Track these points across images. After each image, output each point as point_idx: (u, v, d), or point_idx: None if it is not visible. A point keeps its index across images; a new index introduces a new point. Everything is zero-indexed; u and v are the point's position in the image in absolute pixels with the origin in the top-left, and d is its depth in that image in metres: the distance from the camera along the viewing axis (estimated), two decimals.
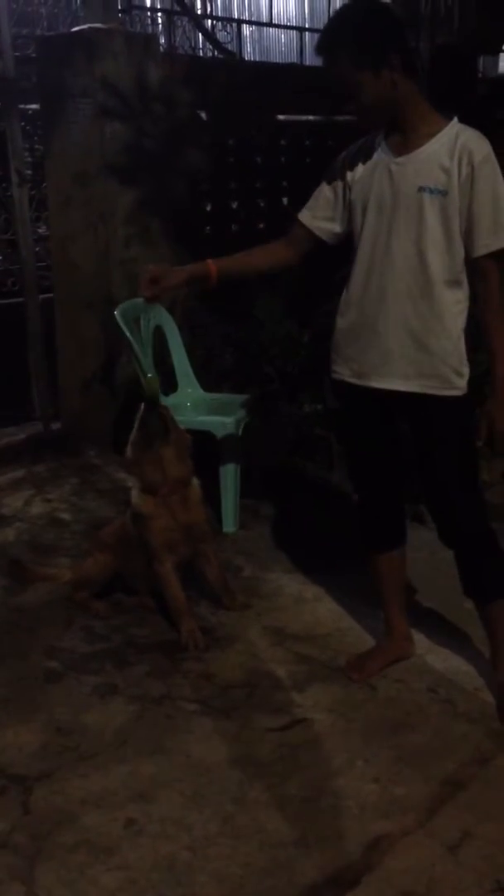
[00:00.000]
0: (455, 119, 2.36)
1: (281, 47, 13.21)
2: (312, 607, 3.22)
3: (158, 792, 2.31)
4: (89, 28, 4.49)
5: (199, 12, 10.42)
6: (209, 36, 7.70)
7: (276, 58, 12.74)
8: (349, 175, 2.48)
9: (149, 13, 10.05)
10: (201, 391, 4.13)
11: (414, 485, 2.67)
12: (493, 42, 7.03)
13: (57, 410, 5.05)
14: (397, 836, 2.14)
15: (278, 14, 13.37)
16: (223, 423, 3.72)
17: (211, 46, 7.56)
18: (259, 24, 12.71)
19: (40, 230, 5.66)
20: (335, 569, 3.39)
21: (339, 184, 2.51)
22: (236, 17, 12.06)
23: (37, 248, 5.21)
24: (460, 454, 2.51)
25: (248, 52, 12.06)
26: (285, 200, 5.57)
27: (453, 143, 2.31)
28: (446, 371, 2.44)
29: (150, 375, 3.16)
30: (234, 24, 11.45)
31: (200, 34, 8.60)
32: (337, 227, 2.56)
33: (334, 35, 2.31)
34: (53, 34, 6.87)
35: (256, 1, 12.98)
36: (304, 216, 2.59)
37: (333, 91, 2.33)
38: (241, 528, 3.86)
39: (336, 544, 3.56)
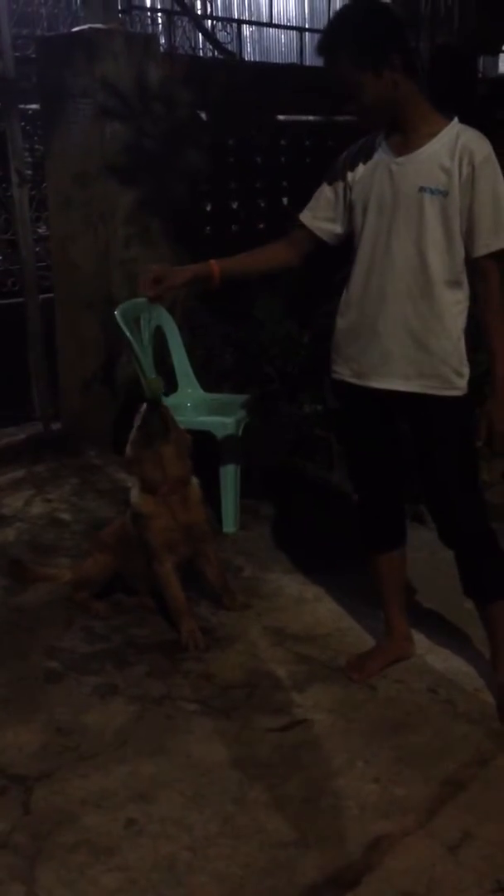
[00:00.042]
0: (456, 119, 2.36)
1: (281, 47, 13.21)
2: (312, 607, 3.22)
3: (159, 792, 2.31)
4: (89, 28, 4.49)
5: (199, 12, 10.42)
6: (209, 36, 7.71)
7: (276, 58, 12.74)
8: (350, 175, 2.48)
9: (149, 13, 10.05)
10: (201, 391, 4.13)
11: (414, 485, 2.67)
12: (493, 42, 7.03)
13: (57, 410, 5.05)
14: (397, 836, 2.14)
15: (278, 14, 13.37)
16: (223, 424, 3.72)
17: (211, 47, 7.56)
18: (259, 24, 12.70)
19: (40, 230, 5.66)
20: (335, 569, 3.40)
21: (340, 184, 2.51)
22: (236, 17, 12.05)
23: (37, 249, 5.21)
24: (460, 454, 2.51)
25: (248, 53, 12.06)
26: (285, 201, 5.57)
27: (454, 143, 2.31)
28: (446, 371, 2.44)
29: (153, 377, 3.16)
30: (234, 25, 11.45)
31: (200, 34, 8.60)
32: (338, 228, 2.56)
33: (335, 35, 2.31)
34: (53, 34, 6.88)
35: (256, 1, 12.98)
36: (305, 217, 2.59)
37: (334, 91, 2.33)
38: (242, 528, 3.86)
39: (336, 544, 3.56)
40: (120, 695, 2.74)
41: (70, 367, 4.96)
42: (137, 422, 2.99)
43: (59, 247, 4.81)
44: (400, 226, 2.39)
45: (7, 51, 4.61)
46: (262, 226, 5.47)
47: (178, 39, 9.32)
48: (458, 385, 2.46)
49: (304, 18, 13.71)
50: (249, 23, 12.37)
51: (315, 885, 2.01)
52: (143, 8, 9.97)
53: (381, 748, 2.45)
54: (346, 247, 2.57)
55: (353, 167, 2.48)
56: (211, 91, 5.09)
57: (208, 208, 5.23)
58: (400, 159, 2.38)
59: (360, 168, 2.46)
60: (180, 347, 4.14)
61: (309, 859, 2.08)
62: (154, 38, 5.40)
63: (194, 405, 4.02)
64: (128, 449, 3.02)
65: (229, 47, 8.58)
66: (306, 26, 13.14)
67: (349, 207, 2.50)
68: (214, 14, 11.38)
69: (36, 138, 5.84)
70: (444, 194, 2.33)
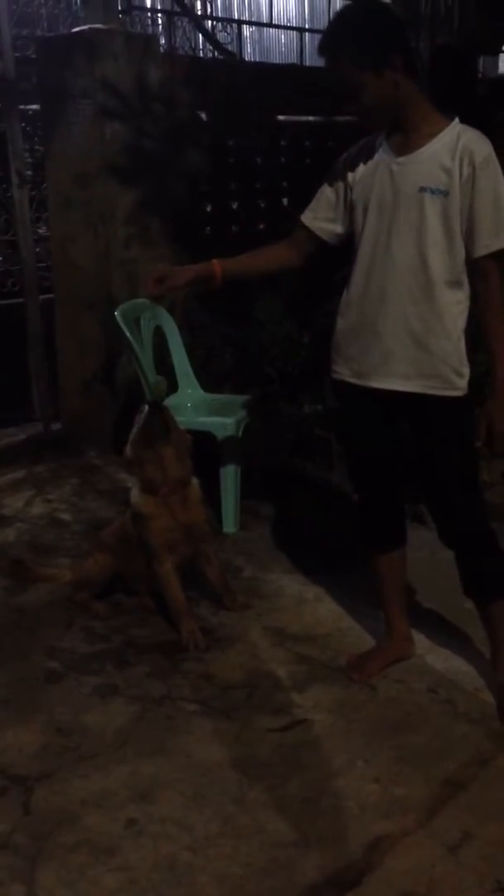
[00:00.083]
0: (457, 119, 2.36)
1: (281, 48, 13.20)
2: (313, 608, 3.22)
3: (159, 792, 2.31)
4: (89, 29, 4.49)
5: (199, 13, 10.42)
6: (209, 37, 7.71)
7: (276, 58, 12.73)
8: (350, 175, 2.48)
9: (149, 14, 10.04)
10: (201, 392, 4.13)
11: (414, 485, 2.67)
12: (493, 42, 7.03)
13: (57, 411, 5.05)
14: (398, 836, 2.14)
15: (278, 15, 13.36)
16: (223, 424, 3.72)
17: (211, 47, 7.56)
18: (259, 24, 12.69)
19: (40, 231, 5.67)
20: (335, 569, 3.40)
21: (341, 184, 2.51)
22: (236, 17, 12.05)
23: (37, 249, 5.21)
24: (460, 454, 2.51)
25: (249, 53, 12.05)
26: (285, 201, 5.58)
27: (455, 143, 2.31)
28: (446, 371, 2.44)
29: (157, 378, 3.16)
30: (235, 25, 11.43)
31: (201, 35, 8.60)
32: (338, 228, 2.56)
33: (336, 36, 2.31)
34: (53, 35, 6.88)
35: (256, 1, 12.97)
36: (306, 217, 2.59)
37: (334, 92, 2.33)
38: (242, 528, 3.86)
39: (336, 544, 3.56)
40: (120, 695, 2.74)
41: (70, 367, 4.96)
42: (139, 423, 2.99)
43: (60, 247, 4.81)
44: (400, 226, 2.39)
45: (7, 51, 4.61)
46: (262, 226, 5.48)
47: (178, 40, 9.32)
48: (459, 385, 2.46)
49: (305, 19, 13.71)
50: (249, 23, 12.36)
51: (315, 886, 2.01)
52: (143, 8, 9.97)
53: (381, 748, 2.45)
54: (346, 247, 2.57)
55: (353, 167, 2.48)
56: (211, 91, 5.10)
57: (208, 209, 5.24)
58: (401, 159, 2.38)
59: (361, 168, 2.46)
60: (180, 348, 4.14)
61: (309, 859, 2.08)
62: (154, 38, 5.41)
63: (194, 405, 4.02)
64: (128, 449, 3.03)
65: (229, 48, 8.58)
66: (306, 27, 13.13)
67: (350, 207, 2.50)
68: (214, 14, 11.37)
69: (36, 139, 5.84)
70: (445, 194, 2.33)
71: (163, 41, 8.44)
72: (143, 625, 3.14)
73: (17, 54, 4.87)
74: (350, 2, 2.54)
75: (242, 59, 9.15)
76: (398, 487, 2.74)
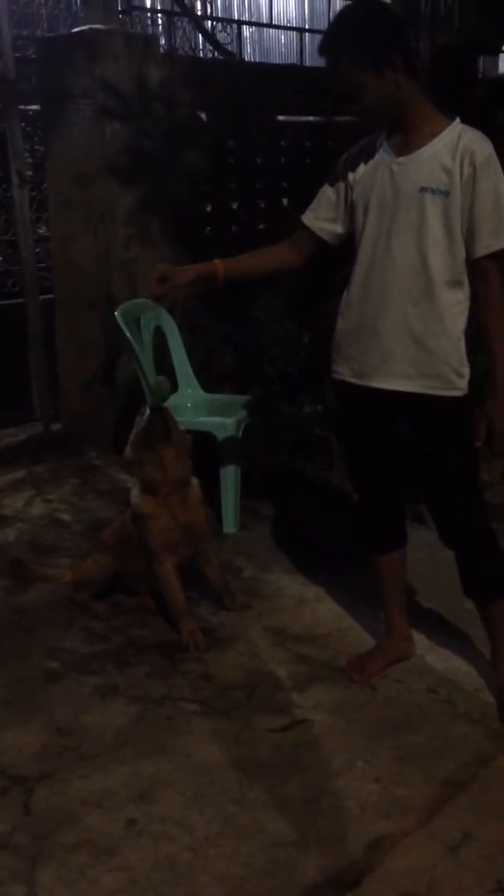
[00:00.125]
0: (457, 119, 2.36)
1: (281, 48, 13.20)
2: (313, 608, 3.22)
3: (159, 792, 2.31)
4: (89, 29, 4.49)
5: (199, 13, 10.43)
6: (209, 37, 7.71)
7: (276, 59, 12.74)
8: (351, 175, 2.48)
9: (149, 14, 10.04)
10: (202, 392, 4.13)
11: (414, 485, 2.67)
12: (493, 42, 7.04)
13: (57, 411, 5.05)
14: (398, 836, 2.14)
15: (278, 15, 13.37)
16: (224, 425, 3.72)
17: (211, 47, 7.56)
18: (259, 24, 12.70)
19: (41, 231, 5.67)
20: (335, 569, 3.40)
21: (341, 184, 2.51)
22: (236, 17, 12.05)
23: (37, 249, 5.21)
24: (460, 454, 2.51)
25: (249, 53, 12.06)
26: (285, 201, 5.58)
27: (455, 143, 2.31)
28: (447, 371, 2.44)
29: (159, 378, 3.16)
30: (235, 25, 11.44)
31: (200, 35, 8.61)
32: (339, 228, 2.56)
33: (336, 36, 2.31)
34: (53, 35, 6.88)
35: (256, 2, 12.98)
36: (307, 217, 2.59)
37: (335, 92, 2.33)
38: (242, 528, 3.86)
39: (336, 544, 3.56)
40: (120, 695, 2.74)
41: (70, 367, 4.96)
42: (140, 424, 2.98)
43: (60, 247, 4.81)
44: (401, 226, 2.39)
45: (7, 51, 4.61)
46: (262, 226, 5.48)
47: (178, 40, 9.32)
48: (459, 385, 2.46)
49: (304, 19, 13.72)
50: (249, 23, 12.37)
51: (315, 886, 2.01)
52: (143, 9, 9.97)
53: (381, 748, 2.45)
54: (345, 247, 2.57)
55: (354, 167, 2.48)
56: (211, 92, 5.10)
57: (208, 209, 5.24)
58: (401, 159, 2.38)
59: (362, 168, 2.46)
60: (180, 348, 4.14)
61: (309, 859, 2.08)
62: (154, 38, 5.41)
63: (194, 406, 4.02)
64: (128, 450, 3.03)
65: (229, 48, 8.58)
66: (306, 27, 13.14)
67: (350, 207, 2.50)
68: (214, 15, 11.37)
69: (36, 139, 5.84)
70: (446, 194, 2.33)
71: (163, 41, 8.45)
72: (143, 625, 3.14)
73: (17, 54, 4.87)
74: (350, 2, 2.53)
75: (242, 60, 9.16)
76: (398, 487, 2.74)
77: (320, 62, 2.36)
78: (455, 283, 2.41)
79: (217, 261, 2.58)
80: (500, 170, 2.33)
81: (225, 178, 5.32)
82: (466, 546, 2.58)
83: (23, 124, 5.00)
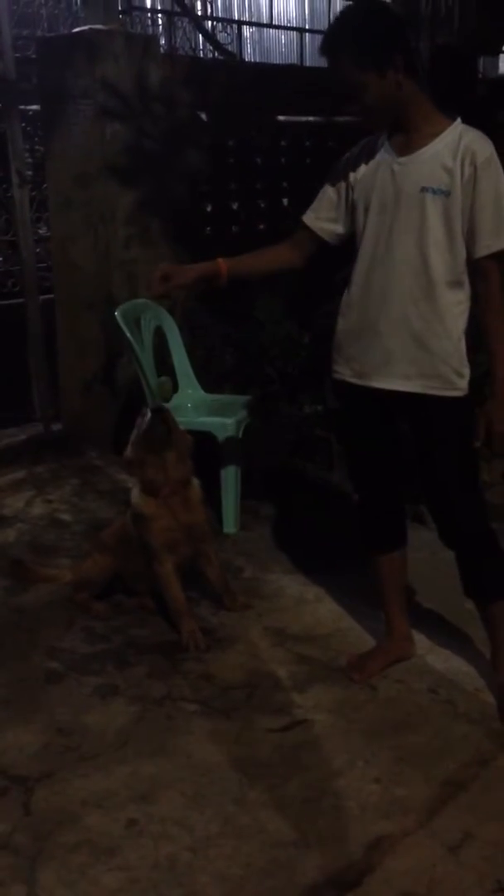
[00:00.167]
0: (458, 119, 2.36)
1: (281, 48, 13.21)
2: (313, 608, 3.22)
3: (159, 792, 2.31)
4: (90, 29, 4.49)
5: (199, 13, 10.43)
6: (209, 37, 7.71)
7: (276, 59, 12.74)
8: (352, 175, 2.48)
9: (149, 14, 10.05)
10: (202, 392, 4.13)
11: (414, 485, 2.67)
12: (493, 42, 7.03)
13: (57, 411, 5.05)
14: (398, 836, 2.14)
15: (278, 15, 13.37)
16: (224, 425, 3.72)
17: (211, 47, 7.56)
18: (259, 25, 12.71)
19: (41, 231, 5.67)
20: (335, 569, 3.40)
21: (342, 184, 2.51)
22: (236, 18, 12.06)
23: (37, 249, 5.21)
24: (460, 454, 2.51)
25: (249, 53, 12.06)
26: (285, 201, 5.58)
27: (456, 143, 2.31)
28: (447, 371, 2.44)
29: (162, 379, 3.16)
30: (235, 25, 11.44)
31: (201, 35, 8.61)
32: (340, 228, 2.56)
33: (337, 37, 2.31)
34: (54, 35, 6.88)
35: (257, 2, 12.98)
36: (308, 217, 2.59)
37: (336, 92, 2.33)
38: (242, 528, 3.86)
39: (336, 544, 3.56)
40: (120, 695, 2.74)
41: (70, 367, 4.96)
42: (141, 425, 2.98)
43: (60, 247, 4.81)
44: (402, 226, 2.39)
45: (7, 52, 4.61)
46: (262, 226, 5.48)
47: (178, 40, 9.33)
48: (459, 385, 2.46)
49: (305, 19, 13.72)
50: (250, 24, 12.37)
51: (316, 886, 2.01)
52: (143, 9, 9.98)
53: (381, 748, 2.45)
54: (346, 247, 2.57)
55: (355, 167, 2.48)
56: (211, 92, 5.10)
57: (208, 209, 5.24)
58: (402, 159, 2.38)
59: (363, 168, 2.46)
60: (181, 348, 4.14)
61: (310, 859, 2.08)
62: (154, 38, 5.41)
63: (195, 406, 4.02)
64: (129, 451, 3.03)
65: (229, 48, 8.58)
66: (306, 27, 13.15)
67: (351, 207, 2.50)
68: (215, 15, 11.38)
69: (36, 139, 5.84)
70: (447, 194, 2.33)
71: (163, 41, 8.45)
72: (144, 625, 3.14)
73: (17, 55, 4.87)
74: (351, 2, 2.53)
75: (242, 60, 9.16)
76: (398, 487, 2.74)
77: (320, 62, 2.36)
78: (456, 284, 2.41)
79: (220, 260, 2.58)
80: (500, 170, 2.33)
81: (225, 179, 5.32)
82: (466, 546, 2.58)
83: (23, 124, 4.99)
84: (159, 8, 10.38)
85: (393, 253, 2.41)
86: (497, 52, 8.23)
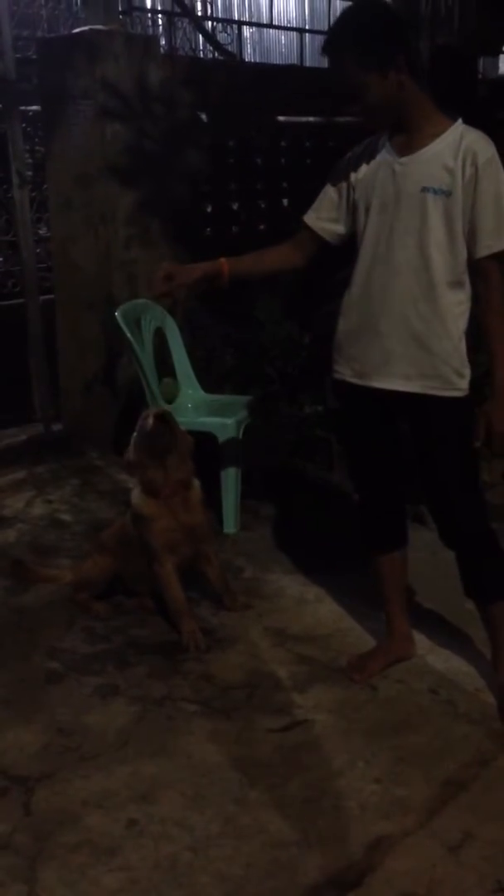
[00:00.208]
0: (460, 120, 2.36)
1: (281, 48, 13.20)
2: (313, 608, 3.22)
3: (160, 792, 2.31)
4: (90, 30, 4.49)
5: (199, 14, 10.42)
6: (209, 37, 7.71)
7: (276, 59, 12.73)
8: (353, 175, 2.48)
9: (149, 15, 10.04)
10: (202, 392, 4.13)
11: (414, 485, 2.67)
12: (493, 43, 7.04)
13: (58, 412, 5.06)
14: (398, 836, 2.15)
15: (279, 15, 13.37)
16: (224, 425, 3.72)
17: (211, 48, 7.56)
18: (259, 25, 12.69)
19: (41, 231, 5.67)
20: (336, 569, 3.40)
21: (343, 184, 2.51)
22: (237, 18, 12.05)
23: (38, 250, 5.21)
24: (461, 455, 2.51)
25: (249, 54, 12.05)
26: (285, 202, 5.58)
27: (458, 143, 2.31)
28: (447, 372, 2.44)
29: (166, 380, 3.16)
30: (235, 26, 11.43)
31: (201, 36, 8.60)
32: (341, 228, 2.56)
33: (339, 37, 2.31)
34: (54, 36, 6.88)
35: (257, 2, 12.97)
36: (309, 218, 2.60)
37: (337, 92, 2.33)
38: (242, 529, 3.86)
39: (336, 544, 3.56)
40: (121, 695, 2.74)
41: (71, 368, 4.96)
42: (142, 427, 2.98)
43: (60, 248, 4.81)
44: (402, 226, 2.39)
45: (8, 52, 4.61)
46: (262, 227, 5.48)
47: (178, 41, 9.32)
48: (459, 386, 2.46)
49: (305, 19, 13.71)
50: (250, 24, 12.36)
51: (316, 886, 2.02)
52: (143, 9, 9.97)
53: (381, 748, 2.45)
54: (346, 247, 2.57)
55: (356, 167, 2.48)
56: (211, 92, 5.10)
57: (208, 209, 5.24)
58: (403, 159, 2.38)
59: (364, 168, 2.46)
60: (181, 348, 4.14)
61: (310, 859, 2.08)
62: (154, 39, 5.40)
63: (195, 406, 4.03)
64: (130, 452, 3.03)
65: (229, 48, 8.58)
66: (307, 27, 13.13)
67: (352, 207, 2.50)
68: (215, 15, 11.36)
69: (37, 140, 5.83)
70: (448, 194, 2.33)
71: (163, 42, 8.43)
72: (144, 625, 3.14)
73: (17, 55, 4.87)
74: (352, 2, 2.53)
75: (242, 60, 9.16)
76: (399, 487, 2.74)
77: (321, 62, 2.38)
78: (456, 284, 2.42)
79: (222, 259, 2.58)
80: (501, 171, 2.33)
81: (225, 179, 5.33)
82: (467, 546, 2.58)
83: (23, 125, 4.99)
84: (159, 8, 10.38)
85: (393, 253, 2.41)
86: (497, 53, 8.24)
